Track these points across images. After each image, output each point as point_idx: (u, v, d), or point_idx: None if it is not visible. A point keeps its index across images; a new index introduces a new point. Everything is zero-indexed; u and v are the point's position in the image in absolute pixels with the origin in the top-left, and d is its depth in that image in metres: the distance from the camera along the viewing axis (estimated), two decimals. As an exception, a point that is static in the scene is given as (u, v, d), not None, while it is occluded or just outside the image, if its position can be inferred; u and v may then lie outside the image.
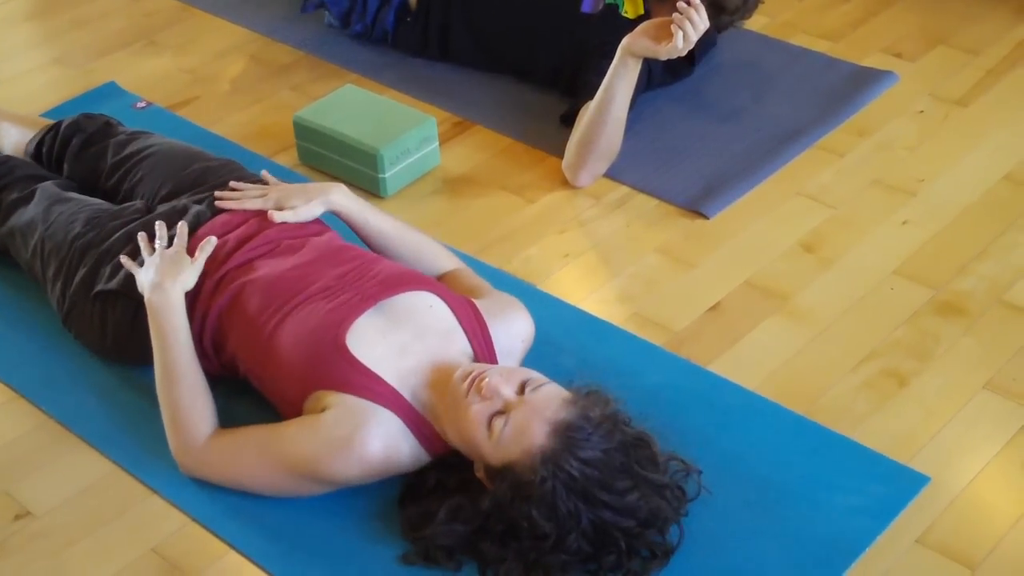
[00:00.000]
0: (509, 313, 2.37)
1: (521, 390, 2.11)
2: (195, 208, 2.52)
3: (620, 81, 2.93)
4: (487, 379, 2.11)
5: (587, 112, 2.99)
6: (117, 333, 2.48)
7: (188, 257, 2.38)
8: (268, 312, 2.29)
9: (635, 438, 2.10)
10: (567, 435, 2.02)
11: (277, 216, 2.48)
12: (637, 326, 2.64)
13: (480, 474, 2.13)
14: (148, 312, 2.33)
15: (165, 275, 2.34)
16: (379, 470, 2.18)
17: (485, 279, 2.54)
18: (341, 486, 2.21)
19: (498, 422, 2.07)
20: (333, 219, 2.57)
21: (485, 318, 2.32)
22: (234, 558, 2.19)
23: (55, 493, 2.33)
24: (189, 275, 2.36)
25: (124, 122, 3.28)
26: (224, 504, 2.25)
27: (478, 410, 2.09)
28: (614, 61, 2.93)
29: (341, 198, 2.53)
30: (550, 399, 2.08)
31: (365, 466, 2.16)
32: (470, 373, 2.15)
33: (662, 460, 2.13)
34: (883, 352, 2.54)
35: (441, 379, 2.20)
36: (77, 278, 2.49)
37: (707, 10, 2.86)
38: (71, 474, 2.36)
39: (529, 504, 2.02)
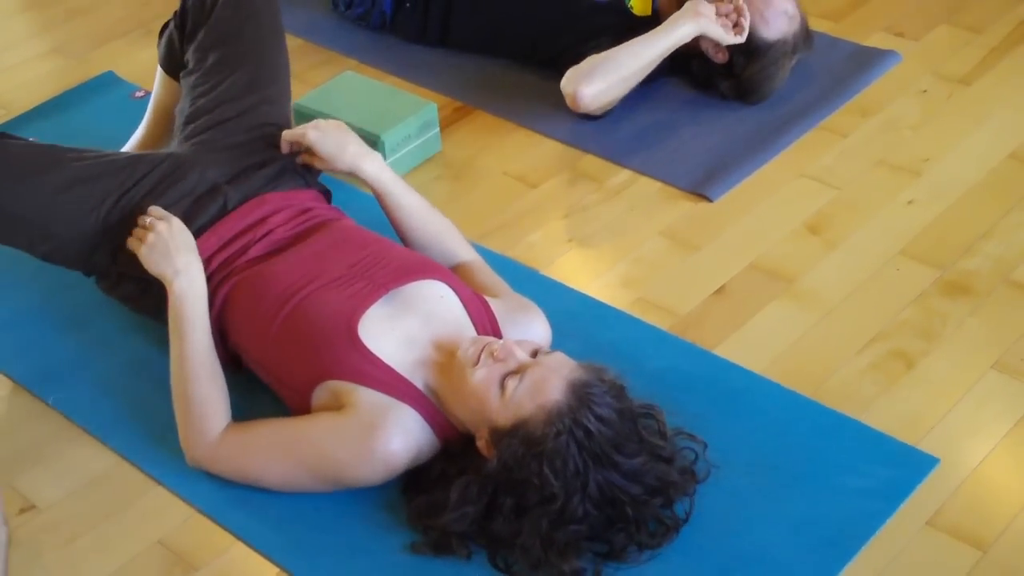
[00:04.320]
0: (524, 316, 2.36)
1: (534, 355, 2.13)
2: (223, 188, 2.48)
3: (671, 37, 3.07)
4: (500, 343, 2.14)
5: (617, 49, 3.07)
6: (125, 291, 2.49)
7: (180, 227, 2.36)
8: (278, 301, 2.28)
9: (643, 407, 2.14)
10: (584, 391, 2.05)
11: (299, 159, 2.52)
12: (642, 310, 2.62)
13: (482, 442, 2.12)
14: (170, 299, 2.30)
15: (181, 251, 2.31)
16: (403, 468, 2.17)
17: (493, 268, 2.52)
18: (365, 486, 2.20)
19: (512, 381, 2.08)
20: (347, 203, 2.56)
21: (498, 319, 2.32)
22: (240, 549, 2.19)
23: (59, 486, 2.32)
24: (188, 247, 2.34)
25: (122, 113, 3.29)
26: (230, 495, 2.24)
27: (490, 371, 2.10)
28: (679, 19, 3.06)
29: (372, 167, 2.51)
30: (564, 361, 2.12)
31: (390, 468, 2.16)
32: (480, 341, 2.17)
33: (669, 433, 2.15)
34: (890, 333, 2.53)
35: (448, 359, 2.19)
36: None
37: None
38: (75, 467, 2.35)
39: (540, 460, 2.02)
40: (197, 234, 2.41)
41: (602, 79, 3.04)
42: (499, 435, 2.08)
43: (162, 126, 2.90)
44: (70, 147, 2.55)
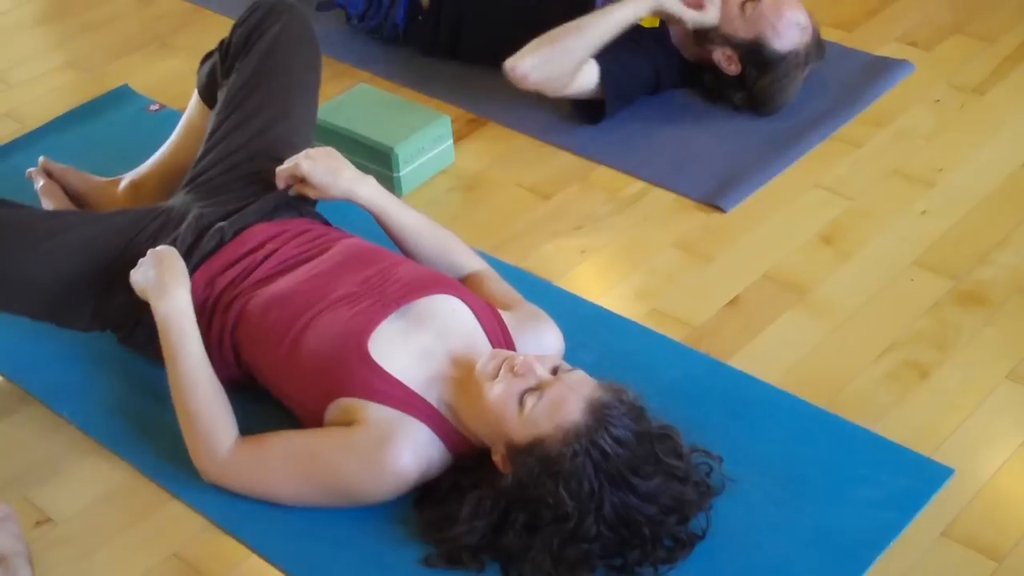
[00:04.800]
0: (536, 326, 2.35)
1: (554, 372, 2.12)
2: (219, 224, 2.48)
3: (618, 13, 3.07)
4: (521, 358, 2.12)
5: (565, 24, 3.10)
6: (138, 340, 2.49)
7: (172, 252, 2.36)
8: (289, 320, 2.28)
9: (660, 428, 2.12)
10: (602, 412, 2.04)
11: (292, 190, 2.50)
12: (656, 321, 2.62)
13: (498, 457, 2.11)
14: (157, 321, 2.31)
15: (164, 271, 2.31)
16: (414, 483, 2.17)
17: (506, 280, 2.52)
18: (375, 502, 2.20)
19: (531, 398, 2.07)
20: (357, 220, 2.57)
21: (511, 330, 2.32)
22: (255, 562, 2.19)
23: (75, 499, 2.32)
24: (180, 272, 2.33)
25: (137, 126, 3.30)
26: (245, 507, 2.24)
27: (509, 386, 2.09)
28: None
29: (367, 191, 2.49)
30: (584, 380, 2.10)
31: (401, 482, 2.16)
32: (499, 355, 2.16)
33: (685, 452, 2.14)
34: (904, 343, 2.52)
35: (464, 374, 2.19)
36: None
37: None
38: (91, 480, 2.35)
39: (556, 479, 2.01)
40: (198, 265, 2.41)
41: (541, 53, 3.06)
42: (515, 451, 2.07)
43: (188, 147, 2.86)
44: (70, 210, 2.64)
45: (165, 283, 2.31)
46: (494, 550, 2.09)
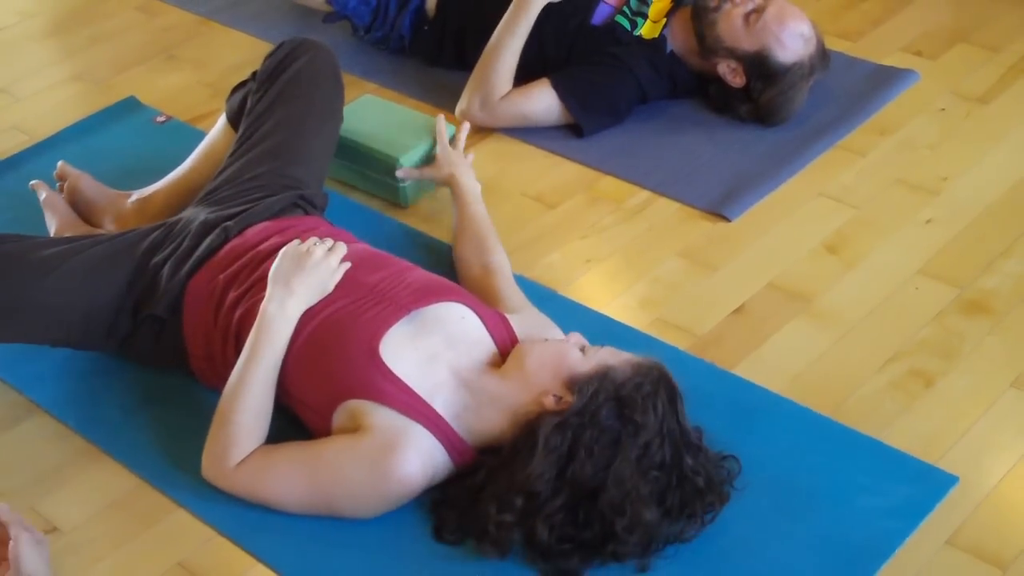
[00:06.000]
0: (542, 335, 2.36)
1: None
2: (224, 224, 2.50)
3: (516, 19, 3.20)
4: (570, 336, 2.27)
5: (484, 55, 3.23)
6: (140, 347, 2.49)
7: (333, 269, 2.33)
8: (300, 321, 2.28)
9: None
10: (660, 364, 2.17)
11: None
12: (661, 330, 2.63)
13: (549, 399, 2.13)
14: (259, 315, 2.28)
15: (303, 276, 2.28)
16: (418, 491, 2.19)
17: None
18: (380, 512, 2.20)
19: (592, 348, 2.21)
20: (359, 228, 2.58)
21: (519, 335, 2.33)
22: (260, 571, 2.19)
23: (81, 508, 2.33)
24: (319, 289, 2.31)
25: (144, 137, 3.32)
26: (251, 517, 2.24)
27: (562, 343, 2.23)
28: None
29: (466, 180, 2.83)
30: None
31: (405, 491, 2.17)
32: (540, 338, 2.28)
33: (714, 454, 2.19)
34: (909, 352, 2.53)
35: (477, 375, 2.22)
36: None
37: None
38: (97, 489, 2.36)
39: (638, 389, 2.09)
40: (202, 263, 2.43)
41: (477, 91, 3.21)
42: (579, 380, 2.13)
43: (203, 170, 2.89)
44: (77, 235, 2.68)
45: (292, 290, 2.28)
46: (567, 487, 2.08)
